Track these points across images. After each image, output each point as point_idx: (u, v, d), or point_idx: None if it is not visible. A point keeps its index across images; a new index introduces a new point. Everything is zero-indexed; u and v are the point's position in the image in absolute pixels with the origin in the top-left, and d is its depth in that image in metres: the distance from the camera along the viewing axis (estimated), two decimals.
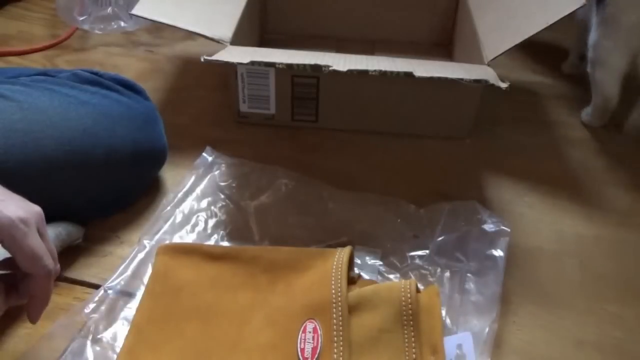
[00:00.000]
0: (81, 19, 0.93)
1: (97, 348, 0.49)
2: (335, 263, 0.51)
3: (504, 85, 0.61)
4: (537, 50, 0.95)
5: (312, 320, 0.47)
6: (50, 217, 0.56)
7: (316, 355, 0.45)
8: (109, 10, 0.93)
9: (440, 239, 0.59)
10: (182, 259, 0.54)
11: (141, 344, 0.48)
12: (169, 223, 0.60)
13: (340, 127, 0.76)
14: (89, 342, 0.49)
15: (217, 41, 0.69)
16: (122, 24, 0.94)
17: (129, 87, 0.63)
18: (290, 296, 0.50)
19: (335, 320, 0.47)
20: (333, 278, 0.49)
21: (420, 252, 0.58)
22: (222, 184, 0.65)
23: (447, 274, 0.56)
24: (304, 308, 0.48)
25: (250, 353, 0.47)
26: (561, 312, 0.56)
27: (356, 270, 0.55)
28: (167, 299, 0.51)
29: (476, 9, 0.80)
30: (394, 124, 0.75)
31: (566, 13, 0.63)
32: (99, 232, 0.60)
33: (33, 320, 0.45)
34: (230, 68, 0.70)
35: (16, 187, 0.53)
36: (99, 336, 0.50)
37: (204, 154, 0.67)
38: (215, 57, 0.65)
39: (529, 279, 0.58)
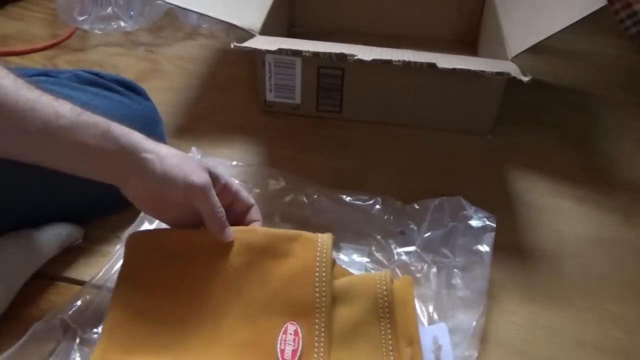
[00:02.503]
0: (81, 19, 0.93)
1: (84, 349, 0.48)
2: (318, 256, 0.49)
3: (525, 78, 0.62)
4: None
5: (293, 323, 0.46)
6: (50, 217, 0.56)
7: (296, 358, 0.45)
8: (109, 10, 0.93)
9: (426, 235, 0.59)
10: (152, 250, 0.50)
11: (114, 346, 0.46)
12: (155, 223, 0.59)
13: (363, 118, 0.77)
14: (75, 344, 0.49)
15: (247, 31, 0.71)
16: (122, 24, 0.94)
17: (130, 88, 0.63)
18: (267, 288, 0.48)
19: (317, 325, 0.46)
20: (317, 275, 0.48)
21: (407, 249, 0.58)
22: None
23: (434, 269, 0.56)
24: (284, 307, 0.47)
25: (228, 350, 0.46)
26: (561, 312, 0.56)
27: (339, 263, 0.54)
28: (137, 298, 0.48)
29: (502, 6, 0.81)
30: (417, 118, 0.76)
31: (590, 12, 0.64)
32: (99, 232, 0.60)
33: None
34: (258, 57, 0.72)
35: (17, 187, 0.53)
36: (85, 336, 0.49)
37: (189, 154, 0.66)
38: (244, 44, 0.66)
39: (529, 278, 0.58)
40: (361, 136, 0.75)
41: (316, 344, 0.45)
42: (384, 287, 0.47)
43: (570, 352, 0.52)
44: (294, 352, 0.45)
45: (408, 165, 0.72)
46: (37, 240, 0.54)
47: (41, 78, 0.59)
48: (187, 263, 0.50)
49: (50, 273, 0.55)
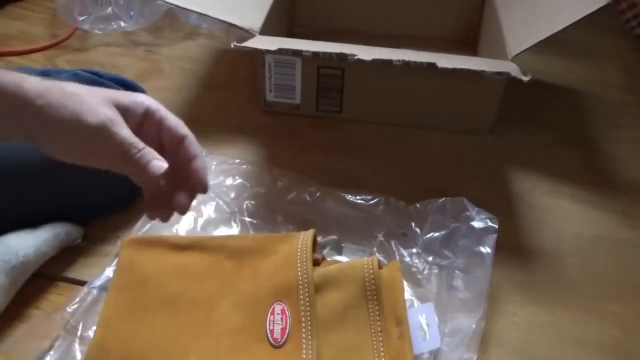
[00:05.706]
0: (81, 19, 0.93)
1: (83, 347, 0.49)
2: (299, 245, 0.51)
3: (525, 78, 0.62)
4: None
5: (279, 303, 0.48)
6: (50, 217, 0.56)
7: (285, 336, 0.47)
8: (109, 10, 0.93)
9: (428, 236, 0.59)
10: (147, 251, 0.53)
11: (111, 337, 0.48)
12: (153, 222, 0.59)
13: (364, 119, 0.77)
14: (75, 343, 0.49)
15: (247, 31, 0.71)
16: (122, 24, 0.94)
17: (129, 87, 0.63)
18: (257, 280, 0.51)
19: (302, 302, 0.48)
20: (298, 260, 0.50)
21: (408, 250, 0.58)
22: (212, 182, 0.65)
23: (435, 270, 0.56)
24: (271, 291, 0.49)
25: (219, 337, 0.48)
26: (561, 312, 0.56)
27: (322, 252, 0.56)
28: (134, 291, 0.51)
29: (502, 6, 0.81)
30: (417, 117, 0.76)
31: (591, 11, 0.64)
32: (99, 232, 0.60)
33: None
34: (258, 57, 0.72)
35: (16, 186, 0.53)
36: (85, 334, 0.50)
37: None
38: (244, 44, 0.66)
39: (529, 278, 0.58)
40: (361, 136, 0.75)
41: (303, 321, 0.47)
42: (371, 271, 0.49)
43: (570, 352, 0.52)
44: (283, 330, 0.47)
45: (408, 166, 0.72)
46: (36, 239, 0.54)
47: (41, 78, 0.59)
48: (180, 264, 0.53)
49: (50, 273, 0.55)
